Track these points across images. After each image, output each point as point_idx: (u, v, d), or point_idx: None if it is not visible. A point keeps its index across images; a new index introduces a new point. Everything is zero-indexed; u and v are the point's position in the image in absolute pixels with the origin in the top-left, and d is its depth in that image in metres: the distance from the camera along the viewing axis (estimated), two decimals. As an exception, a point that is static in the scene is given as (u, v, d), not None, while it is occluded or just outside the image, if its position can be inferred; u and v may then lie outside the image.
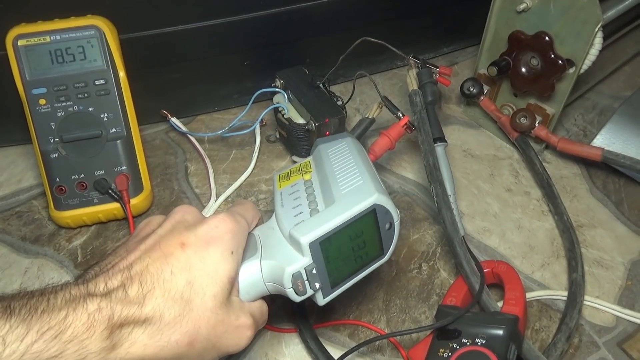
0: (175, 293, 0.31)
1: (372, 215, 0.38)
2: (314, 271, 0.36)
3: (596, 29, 0.51)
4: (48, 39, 0.49)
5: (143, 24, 0.56)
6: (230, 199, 0.57)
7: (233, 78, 0.65)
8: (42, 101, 0.49)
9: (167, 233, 0.34)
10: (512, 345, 0.39)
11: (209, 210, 0.55)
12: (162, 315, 0.30)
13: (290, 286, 0.36)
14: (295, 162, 0.59)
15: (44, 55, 0.49)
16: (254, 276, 0.37)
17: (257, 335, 0.46)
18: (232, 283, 0.35)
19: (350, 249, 0.38)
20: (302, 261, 0.36)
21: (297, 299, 0.37)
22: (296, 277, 0.36)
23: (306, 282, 0.36)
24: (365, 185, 0.39)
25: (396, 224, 0.40)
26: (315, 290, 0.37)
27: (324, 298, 0.38)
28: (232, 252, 0.35)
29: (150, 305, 0.30)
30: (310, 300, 0.46)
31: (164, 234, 0.34)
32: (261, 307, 0.38)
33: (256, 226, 0.41)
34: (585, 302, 0.49)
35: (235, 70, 0.64)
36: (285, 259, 0.36)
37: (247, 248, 0.38)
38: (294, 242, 0.36)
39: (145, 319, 0.30)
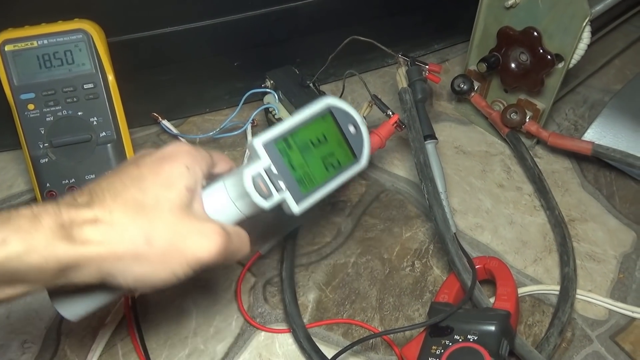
0: (127, 198, 0.31)
1: (330, 117, 0.39)
2: (275, 171, 0.36)
3: (584, 24, 0.51)
4: (35, 43, 0.49)
5: (131, 27, 0.56)
6: (222, 201, 0.56)
7: (223, 79, 0.65)
8: (31, 106, 0.49)
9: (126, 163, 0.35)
10: (504, 341, 0.39)
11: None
12: (112, 214, 0.30)
13: (253, 189, 0.35)
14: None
15: (32, 60, 0.49)
16: (221, 197, 0.36)
17: (251, 335, 0.46)
18: (192, 193, 0.34)
19: (317, 156, 0.38)
20: (259, 162, 0.36)
21: (267, 204, 0.36)
22: (257, 178, 0.35)
23: (269, 183, 0.35)
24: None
25: (362, 127, 0.40)
26: (281, 191, 0.36)
27: (297, 204, 0.37)
28: (187, 167, 0.34)
29: (100, 207, 0.30)
30: (303, 299, 0.46)
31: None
32: (237, 230, 0.36)
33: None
34: (577, 296, 0.49)
35: (225, 71, 0.64)
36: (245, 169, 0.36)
37: (212, 184, 0.38)
38: (252, 150, 0.36)
39: (95, 219, 0.29)
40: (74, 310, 0.35)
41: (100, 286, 0.31)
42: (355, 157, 0.40)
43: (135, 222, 0.31)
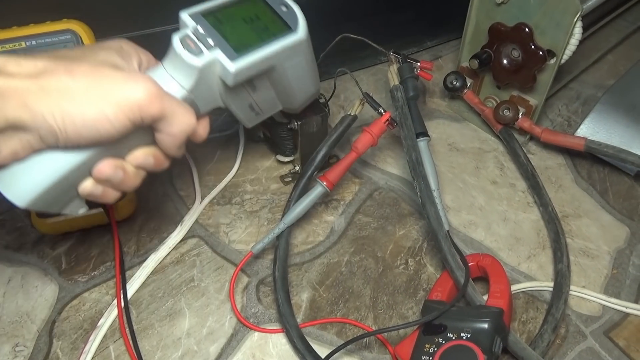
0: (57, 55, 0.33)
1: (261, 2, 0.41)
2: (202, 31, 0.37)
3: (575, 19, 0.51)
4: (24, 44, 0.48)
5: (120, 27, 0.55)
6: (215, 201, 0.56)
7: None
8: (20, 108, 0.49)
9: None
10: (497, 338, 0.39)
11: (193, 213, 0.54)
12: (36, 60, 0.31)
13: (182, 47, 0.36)
14: (280, 161, 0.59)
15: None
16: (159, 73, 0.37)
17: (244, 336, 0.46)
18: (123, 57, 0.35)
19: (250, 31, 0.40)
20: (186, 28, 0.38)
21: (199, 62, 0.36)
22: (185, 38, 0.37)
23: (198, 42, 0.37)
24: None
25: (292, 5, 0.42)
26: (212, 48, 0.37)
27: (231, 61, 0.38)
28: (121, 46, 0.36)
29: (28, 58, 0.31)
30: (297, 298, 0.46)
31: None
32: (177, 99, 0.36)
33: None
34: (571, 292, 0.49)
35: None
36: None
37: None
38: (180, 22, 0.38)
39: (20, 59, 0.31)
40: (20, 189, 0.33)
41: (40, 153, 0.32)
42: (290, 28, 0.42)
43: (57, 61, 0.31)
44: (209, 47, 0.37)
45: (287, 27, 0.41)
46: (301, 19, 0.42)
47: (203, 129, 0.41)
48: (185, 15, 0.38)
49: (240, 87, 0.42)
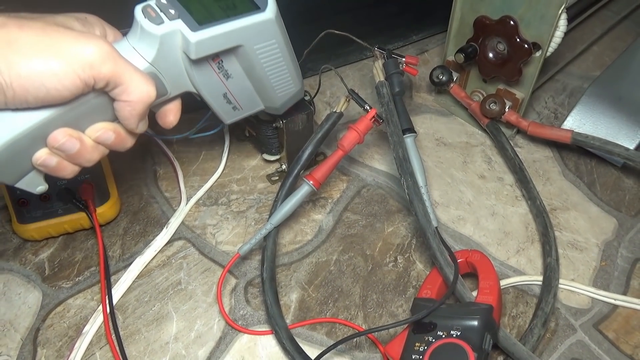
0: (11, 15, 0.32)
1: None
2: (165, 1, 0.37)
3: (560, 11, 0.50)
4: None
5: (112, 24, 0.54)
6: (201, 202, 0.55)
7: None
8: None
9: None
10: (487, 335, 0.39)
11: (179, 215, 0.54)
12: None
13: (143, 16, 0.36)
14: (266, 160, 0.58)
15: None
16: (122, 45, 0.37)
17: (233, 338, 0.45)
18: (82, 24, 0.35)
19: (216, 6, 0.40)
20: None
21: (159, 30, 0.36)
22: (146, 7, 0.37)
23: (160, 11, 0.37)
24: None
25: None
26: (173, 18, 0.37)
27: (192, 31, 0.37)
28: (86, 16, 0.37)
29: None
30: (285, 299, 0.45)
31: None
32: (134, 65, 0.35)
33: None
34: (560, 286, 0.49)
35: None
36: None
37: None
38: None
39: None
40: None
41: None
42: (258, 7, 0.41)
43: (10, 17, 0.31)
44: (170, 17, 0.37)
45: (255, 6, 0.41)
46: (271, 2, 0.42)
47: (173, 114, 0.41)
48: None
49: (210, 69, 0.41)
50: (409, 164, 0.48)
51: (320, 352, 0.42)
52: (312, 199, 0.56)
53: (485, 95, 0.61)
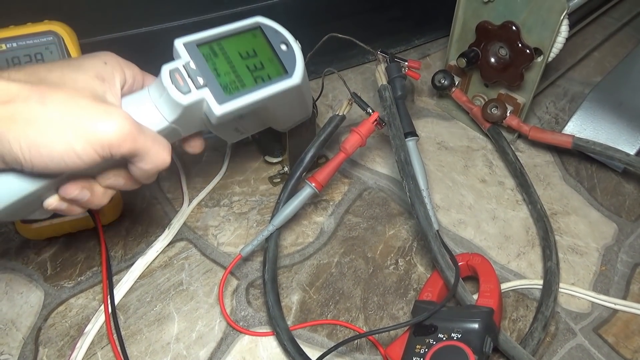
0: (30, 72, 0.31)
1: (260, 34, 0.39)
2: (194, 67, 0.36)
3: (562, 17, 0.51)
4: (4, 47, 0.47)
5: (103, 28, 0.54)
6: (203, 203, 0.56)
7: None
8: (1, 111, 0.48)
9: None
10: (488, 338, 0.39)
11: (181, 216, 0.54)
12: (9, 84, 0.30)
13: (170, 82, 0.35)
14: (268, 162, 0.59)
15: (1, 64, 0.47)
16: (143, 100, 0.36)
17: (234, 339, 0.45)
18: (105, 83, 0.33)
19: (244, 66, 0.38)
20: (179, 60, 0.36)
21: (185, 100, 0.35)
22: (174, 72, 0.35)
23: (187, 78, 0.35)
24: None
25: (293, 45, 0.40)
26: (200, 88, 0.35)
27: (218, 103, 0.36)
28: (105, 62, 0.34)
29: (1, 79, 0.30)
30: (287, 300, 0.46)
31: None
32: (155, 133, 0.35)
33: None
34: (560, 290, 0.49)
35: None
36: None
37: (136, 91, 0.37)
38: (174, 50, 0.36)
39: None
40: None
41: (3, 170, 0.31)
42: (286, 72, 0.40)
43: (32, 87, 0.30)
44: (198, 86, 0.35)
45: (283, 70, 0.40)
46: (299, 61, 0.40)
47: (197, 146, 0.42)
48: (179, 45, 0.36)
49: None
50: (411, 167, 0.49)
51: (321, 353, 0.42)
52: (314, 202, 0.56)
53: (486, 99, 0.61)
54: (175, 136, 0.39)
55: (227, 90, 0.37)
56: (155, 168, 0.35)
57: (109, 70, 0.34)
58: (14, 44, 0.48)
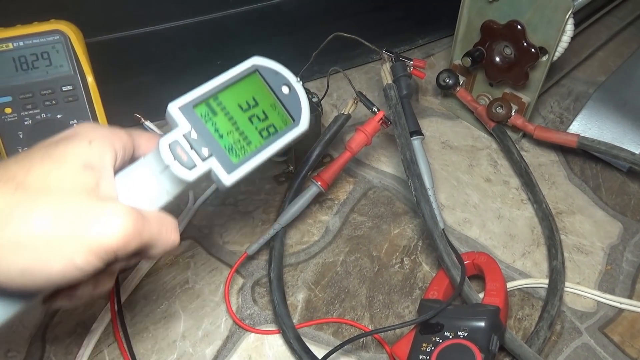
0: (6, 179, 0.26)
1: (258, 78, 0.35)
2: (195, 136, 0.32)
3: (567, 16, 0.51)
4: (11, 45, 0.47)
5: (110, 27, 0.54)
6: (209, 202, 0.56)
7: (205, 78, 0.63)
8: (8, 110, 0.48)
9: None
10: (494, 336, 0.39)
11: (187, 214, 0.54)
12: None
13: (172, 158, 0.31)
14: (273, 161, 0.59)
15: (8, 63, 0.47)
16: (140, 176, 0.32)
17: (240, 337, 0.45)
18: (95, 172, 0.28)
19: (247, 121, 0.34)
20: (177, 129, 0.32)
21: (191, 176, 0.31)
22: (174, 146, 0.31)
23: (190, 151, 0.31)
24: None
25: (295, 85, 0.37)
26: (206, 159, 0.32)
27: (228, 173, 0.33)
28: (89, 142, 0.29)
29: None
30: (292, 299, 0.45)
31: None
32: (160, 215, 0.30)
33: None
34: (566, 289, 0.49)
35: (207, 70, 0.62)
36: None
37: (131, 165, 0.33)
38: (168, 117, 0.32)
39: None
40: None
41: None
42: (293, 120, 0.36)
43: (16, 205, 0.25)
44: (203, 158, 0.32)
45: (288, 117, 0.36)
46: (304, 104, 0.37)
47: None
48: (174, 110, 0.32)
49: None
50: (417, 166, 0.49)
51: (327, 352, 0.42)
52: (319, 200, 0.56)
53: (491, 99, 0.61)
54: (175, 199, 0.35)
55: (233, 154, 0.33)
56: (164, 252, 0.31)
57: (96, 152, 0.29)
58: (21, 43, 0.48)
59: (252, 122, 0.35)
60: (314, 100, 0.55)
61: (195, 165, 0.32)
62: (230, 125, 0.34)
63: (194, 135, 0.32)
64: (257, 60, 0.36)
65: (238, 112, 0.34)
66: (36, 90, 0.48)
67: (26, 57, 0.48)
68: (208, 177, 0.33)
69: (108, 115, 0.51)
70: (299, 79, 0.37)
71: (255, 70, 0.36)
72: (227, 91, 0.34)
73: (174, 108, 0.32)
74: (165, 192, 0.32)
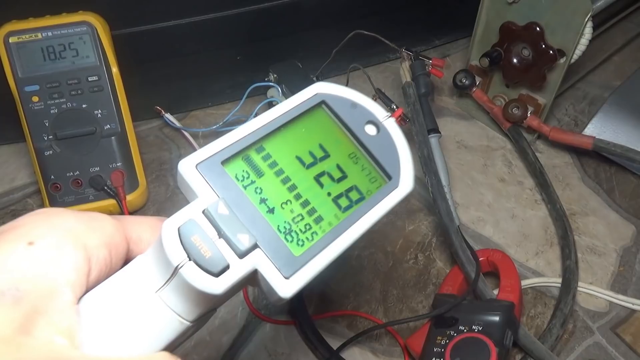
0: None
1: (326, 114, 0.23)
2: (227, 212, 0.19)
3: (586, 19, 0.51)
4: (40, 35, 0.49)
5: (135, 20, 0.56)
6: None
7: (226, 73, 0.65)
8: (35, 98, 0.49)
9: None
10: (508, 331, 0.40)
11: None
12: None
13: (185, 256, 0.18)
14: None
15: (36, 52, 0.49)
16: (130, 288, 0.19)
17: (256, 327, 0.46)
18: (20, 302, 0.16)
19: (313, 183, 0.22)
20: (195, 203, 0.20)
21: (218, 284, 0.19)
22: (190, 230, 0.19)
23: (219, 240, 0.19)
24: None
25: (387, 123, 0.25)
26: (244, 252, 0.19)
27: (286, 277, 0.20)
28: (30, 242, 0.18)
29: None
30: (308, 291, 0.46)
31: None
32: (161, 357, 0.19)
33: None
34: (579, 289, 0.49)
35: (228, 65, 0.64)
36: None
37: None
38: (182, 184, 0.21)
39: None
40: None
41: None
42: (388, 177, 0.24)
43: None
44: (239, 252, 0.19)
45: (379, 174, 0.24)
46: (403, 153, 0.25)
47: None
48: (189, 171, 0.20)
49: None
50: (434, 163, 0.49)
51: (341, 343, 0.43)
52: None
53: (507, 100, 0.62)
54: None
55: (293, 241, 0.21)
56: None
57: (36, 264, 0.18)
58: (49, 33, 0.49)
59: (321, 186, 0.22)
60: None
61: (227, 267, 0.19)
62: (286, 190, 0.22)
63: (223, 210, 0.19)
64: (322, 87, 0.24)
65: (298, 169, 0.22)
66: (63, 80, 0.49)
67: (54, 47, 0.49)
68: (250, 283, 0.21)
69: (130, 107, 0.52)
70: (388, 114, 0.25)
71: (321, 102, 0.24)
72: (278, 136, 0.22)
73: (188, 167, 0.20)
74: (176, 318, 0.20)
